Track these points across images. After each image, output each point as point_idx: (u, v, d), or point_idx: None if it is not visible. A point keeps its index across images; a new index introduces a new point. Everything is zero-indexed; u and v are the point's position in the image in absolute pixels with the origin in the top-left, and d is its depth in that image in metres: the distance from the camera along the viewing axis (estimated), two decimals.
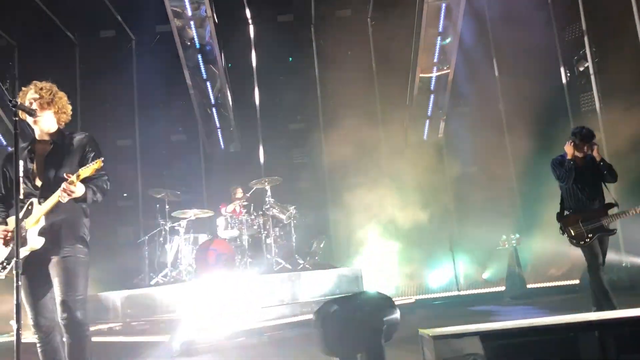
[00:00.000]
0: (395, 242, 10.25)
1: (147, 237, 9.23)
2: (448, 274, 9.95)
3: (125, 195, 11.71)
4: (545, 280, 9.71)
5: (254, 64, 12.06)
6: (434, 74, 10.63)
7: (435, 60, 10.45)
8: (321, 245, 9.58)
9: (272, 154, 11.80)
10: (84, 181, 3.18)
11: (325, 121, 11.76)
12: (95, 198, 3.26)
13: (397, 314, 3.14)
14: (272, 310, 7.11)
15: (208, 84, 10.87)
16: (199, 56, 10.53)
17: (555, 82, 11.12)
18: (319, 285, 8.09)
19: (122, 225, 11.82)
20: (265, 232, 8.75)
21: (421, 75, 10.57)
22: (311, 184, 11.53)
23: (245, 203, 9.24)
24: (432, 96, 10.88)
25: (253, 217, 8.86)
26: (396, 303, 3.29)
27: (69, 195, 3.09)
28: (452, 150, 11.31)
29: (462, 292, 9.57)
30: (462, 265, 10.09)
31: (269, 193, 8.87)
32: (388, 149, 11.20)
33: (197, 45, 10.38)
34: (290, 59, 12.18)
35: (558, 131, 8.09)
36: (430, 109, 11.00)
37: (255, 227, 8.81)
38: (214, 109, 11.25)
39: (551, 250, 8.78)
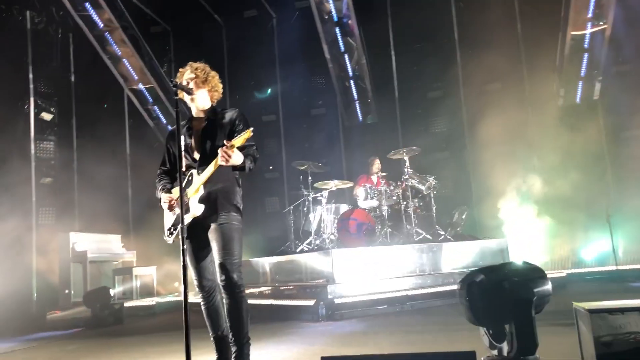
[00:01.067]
0: (544, 212, 9.67)
1: (292, 207, 9.65)
2: (604, 246, 9.16)
3: (271, 167, 12.33)
4: None
5: (390, 33, 11.92)
6: (588, 31, 9.71)
7: (589, 15, 9.53)
8: (463, 217, 9.34)
9: (410, 124, 11.66)
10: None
11: (465, 88, 11.33)
12: (250, 166, 3.47)
13: (548, 285, 2.99)
14: (413, 279, 7.14)
15: (346, 56, 10.97)
16: (337, 29, 10.64)
17: None
18: (461, 256, 7.94)
19: (268, 196, 12.49)
20: (405, 202, 8.73)
21: (573, 33, 9.71)
22: (451, 154, 11.25)
23: (384, 174, 9.28)
24: (585, 55, 9.95)
25: (392, 187, 8.88)
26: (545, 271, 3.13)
27: (227, 159, 3.25)
28: (609, 114, 10.31)
29: (621, 267, 8.78)
30: (621, 237, 9.25)
31: (407, 163, 8.81)
32: (535, 115, 10.52)
33: (335, 19, 10.50)
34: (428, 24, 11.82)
35: None
36: (583, 69, 10.08)
37: (395, 197, 8.82)
38: (351, 82, 11.35)
39: None
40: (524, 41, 11.00)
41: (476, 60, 10.52)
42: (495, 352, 3.08)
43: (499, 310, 2.92)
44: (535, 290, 2.88)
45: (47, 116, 11.47)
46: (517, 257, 8.35)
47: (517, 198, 9.77)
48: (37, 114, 11.21)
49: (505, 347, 3.01)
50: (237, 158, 3.32)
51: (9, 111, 10.71)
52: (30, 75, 11.12)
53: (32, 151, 11.00)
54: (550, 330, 4.12)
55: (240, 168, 3.42)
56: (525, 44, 10.97)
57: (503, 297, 2.88)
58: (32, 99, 11.06)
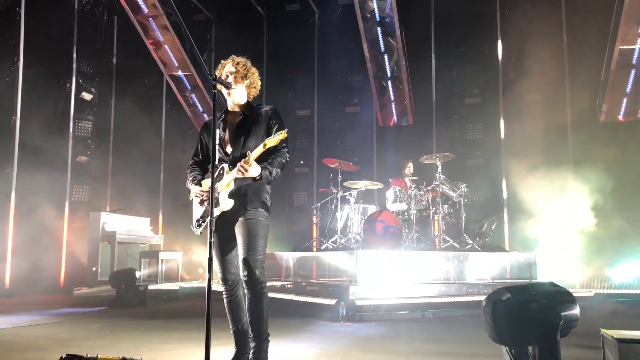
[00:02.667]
0: (577, 229, 9.45)
1: (319, 204, 9.66)
2: (637, 269, 8.92)
3: (301, 162, 12.36)
4: None
5: (432, 35, 11.80)
6: (638, 46, 9.44)
7: None
8: (492, 227, 9.21)
9: (446, 129, 11.53)
10: (269, 151, 3.40)
11: (505, 96, 11.14)
12: (271, 177, 3.48)
13: (576, 310, 2.92)
14: (437, 287, 7.06)
15: (385, 56, 10.91)
16: (379, 29, 10.59)
17: None
18: (487, 267, 7.83)
19: (297, 191, 12.53)
20: (434, 208, 8.65)
21: (621, 47, 9.45)
22: (485, 162, 11.10)
23: (415, 178, 9.21)
24: (633, 71, 9.68)
25: (422, 192, 8.80)
26: (574, 295, 3.06)
27: (243, 174, 3.33)
28: None
29: None
30: None
31: (439, 169, 8.72)
32: (575, 129, 10.30)
33: (377, 18, 10.45)
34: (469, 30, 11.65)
35: None
36: (629, 85, 9.82)
37: (424, 202, 8.75)
38: (389, 82, 11.28)
39: None
40: (569, 53, 10.77)
41: (518, 69, 10.33)
42: None
43: (523, 331, 2.86)
44: (563, 314, 2.81)
45: (87, 96, 11.71)
46: (546, 273, 8.19)
47: (549, 213, 9.58)
48: (77, 94, 11.46)
49: None
50: (254, 171, 3.35)
51: (52, 89, 10.98)
52: (74, 55, 11.37)
53: (71, 129, 11.26)
54: (575, 354, 4.03)
55: (258, 179, 3.42)
56: (570, 56, 10.74)
57: (528, 318, 2.82)
58: (74, 78, 11.31)
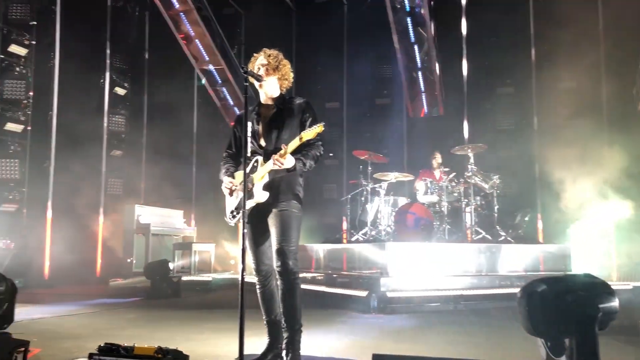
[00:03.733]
0: (614, 221, 9.22)
1: (349, 196, 9.65)
2: None
3: (331, 155, 12.35)
4: None
5: (463, 25, 11.62)
6: None
7: None
8: (526, 219, 9.07)
9: (477, 119, 11.37)
10: (304, 144, 3.42)
11: (538, 85, 10.91)
12: (305, 169, 3.50)
13: (615, 302, 2.85)
14: (469, 279, 7.00)
15: (415, 47, 10.82)
16: (409, 19, 10.51)
17: None
18: (521, 259, 7.72)
19: (326, 183, 12.54)
20: (466, 200, 8.55)
21: None
22: (518, 153, 10.87)
23: (446, 169, 9.11)
24: None
25: (454, 184, 8.71)
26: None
27: (279, 166, 3.35)
28: None
29: None
30: None
31: (471, 160, 8.61)
32: (612, 118, 10.02)
33: (407, 9, 10.37)
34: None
35: None
36: None
37: (456, 194, 8.66)
38: (419, 73, 11.18)
39: None
40: (605, 39, 10.47)
41: (552, 57, 10.11)
42: None
43: (559, 324, 2.81)
44: (601, 306, 2.75)
45: (120, 91, 11.93)
46: (581, 266, 8.04)
47: (585, 204, 9.36)
48: (111, 89, 11.68)
49: None
50: (288, 163, 3.38)
51: (87, 84, 11.21)
52: (108, 51, 11.58)
53: (105, 124, 11.48)
54: (613, 347, 3.96)
55: (292, 170, 3.45)
56: (606, 42, 10.44)
57: (565, 311, 2.77)
58: (107, 74, 11.53)
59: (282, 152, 3.33)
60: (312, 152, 3.53)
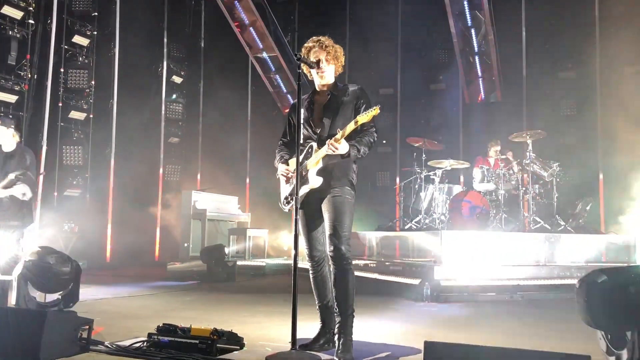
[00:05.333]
0: None
1: (403, 184, 9.57)
2: None
3: (384, 142, 12.23)
4: None
5: (522, 7, 11.20)
6: None
7: None
8: (587, 208, 8.71)
9: (537, 105, 10.97)
10: (356, 130, 3.41)
11: (602, 70, 10.40)
12: (359, 155, 3.49)
13: None
14: (526, 269, 6.81)
15: (472, 31, 10.53)
16: (465, 2, 10.24)
17: None
18: (581, 250, 7.44)
19: (380, 171, 12.45)
20: (524, 188, 8.31)
21: None
22: (579, 140, 10.45)
23: (503, 157, 8.87)
24: None
25: (512, 171, 8.47)
26: None
27: (333, 151, 3.36)
28: None
29: None
30: None
31: (530, 147, 8.34)
32: None
33: None
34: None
35: None
36: None
37: (513, 182, 8.42)
38: (476, 57, 10.89)
39: None
40: None
41: (619, 39, 9.59)
42: (612, 358, 2.88)
43: (620, 316, 2.71)
44: None
45: (177, 79, 12.22)
46: None
47: None
48: (168, 77, 11.98)
49: (624, 354, 2.79)
50: (343, 149, 3.38)
51: (146, 73, 11.55)
52: (165, 40, 11.87)
53: (163, 112, 11.80)
54: None
55: (347, 156, 3.44)
56: None
57: (627, 303, 2.66)
58: (165, 63, 11.83)
59: (337, 136, 3.34)
60: (365, 139, 3.51)
